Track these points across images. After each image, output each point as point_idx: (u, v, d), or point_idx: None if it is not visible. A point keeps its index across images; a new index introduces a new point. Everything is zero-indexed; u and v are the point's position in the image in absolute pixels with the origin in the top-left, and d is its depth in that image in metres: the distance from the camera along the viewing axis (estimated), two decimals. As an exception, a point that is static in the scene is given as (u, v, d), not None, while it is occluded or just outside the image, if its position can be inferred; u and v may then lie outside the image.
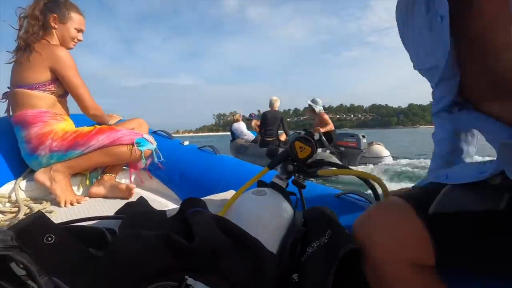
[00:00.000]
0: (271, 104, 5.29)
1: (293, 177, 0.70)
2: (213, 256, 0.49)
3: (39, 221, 0.46)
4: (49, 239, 0.47)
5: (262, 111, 5.43)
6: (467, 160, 0.60)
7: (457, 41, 0.39)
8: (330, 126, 4.73)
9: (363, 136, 4.64)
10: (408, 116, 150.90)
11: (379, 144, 4.85)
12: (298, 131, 0.69)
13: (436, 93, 0.50)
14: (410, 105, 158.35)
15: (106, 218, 0.67)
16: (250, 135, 6.08)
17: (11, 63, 1.23)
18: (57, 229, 0.48)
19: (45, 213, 1.05)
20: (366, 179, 0.60)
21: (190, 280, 0.42)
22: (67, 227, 0.53)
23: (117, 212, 0.74)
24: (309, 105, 4.95)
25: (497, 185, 0.40)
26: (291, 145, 0.63)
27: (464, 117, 0.46)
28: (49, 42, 1.25)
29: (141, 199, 0.74)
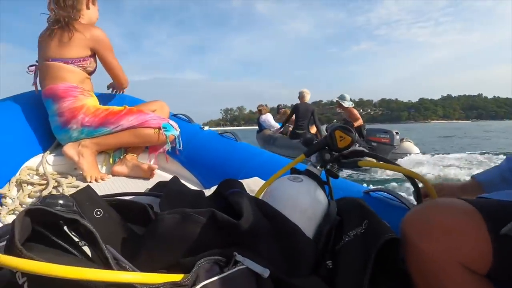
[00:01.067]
0: (301, 97, 5.22)
1: (326, 167, 0.70)
2: (255, 236, 0.50)
3: (89, 195, 0.48)
4: (98, 213, 0.48)
5: (278, 105, 5.62)
6: None
7: None
8: (360, 122, 4.73)
9: (397, 133, 4.53)
10: (420, 110, 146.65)
11: (409, 141, 4.82)
12: (335, 121, 0.69)
13: None
14: (421, 99, 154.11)
15: (144, 194, 0.68)
16: (278, 126, 6.02)
17: (44, 40, 1.25)
18: (105, 204, 0.50)
19: (72, 188, 1.08)
20: (410, 177, 0.60)
21: (238, 257, 0.43)
22: (112, 200, 0.54)
23: (151, 190, 0.76)
24: (337, 101, 4.93)
25: None
26: (331, 134, 0.63)
27: None
28: (80, 22, 1.27)
29: (175, 178, 0.75)
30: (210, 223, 0.47)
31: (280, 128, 5.77)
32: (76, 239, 0.42)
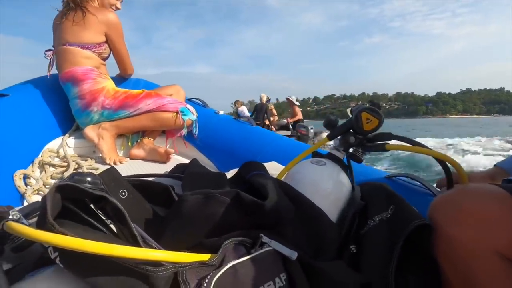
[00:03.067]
0: (260, 98, 7.27)
1: (349, 150, 0.68)
2: (280, 218, 0.49)
3: (114, 176, 0.48)
4: (123, 194, 0.48)
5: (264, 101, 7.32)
6: None
7: None
8: (298, 117, 7.22)
9: (311, 128, 6.54)
10: (438, 105, 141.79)
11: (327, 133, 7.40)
12: (361, 103, 0.66)
13: None
14: (439, 93, 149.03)
15: (165, 176, 0.68)
16: (249, 115, 7.44)
17: (59, 23, 1.25)
18: (129, 185, 0.49)
19: (92, 170, 1.10)
20: (441, 160, 0.57)
21: (265, 238, 0.42)
22: (136, 181, 0.54)
23: (171, 172, 0.76)
24: (288, 98, 7.42)
25: None
26: (356, 116, 0.61)
27: None
28: (92, 5, 1.26)
29: (194, 161, 0.75)
30: (235, 204, 0.47)
31: (251, 116, 7.09)
32: (103, 217, 0.42)
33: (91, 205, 0.42)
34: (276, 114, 7.77)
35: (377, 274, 0.49)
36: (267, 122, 7.06)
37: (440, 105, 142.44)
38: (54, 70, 1.32)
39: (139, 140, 1.38)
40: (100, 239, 0.34)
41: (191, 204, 0.47)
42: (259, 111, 7.08)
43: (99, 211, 0.43)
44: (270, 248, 0.41)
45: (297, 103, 7.48)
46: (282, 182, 0.58)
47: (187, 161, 1.48)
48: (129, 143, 1.37)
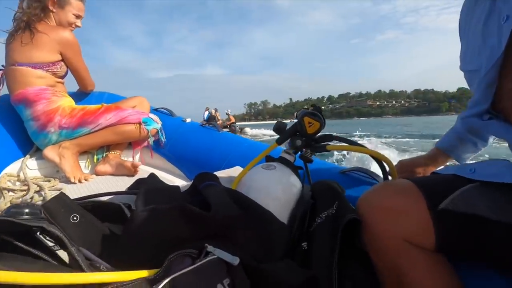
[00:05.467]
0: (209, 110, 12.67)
1: (300, 152, 0.72)
2: (227, 225, 0.52)
3: (64, 202, 0.48)
4: (75, 218, 0.49)
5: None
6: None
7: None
8: (232, 121, 13.30)
9: (238, 127, 10.53)
10: (461, 100, 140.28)
11: (248, 128, 10.52)
12: (305, 107, 0.70)
13: (472, 99, 0.54)
14: (460, 89, 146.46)
15: (121, 193, 0.69)
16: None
17: (9, 43, 1.20)
18: (80, 209, 0.50)
19: (55, 190, 1.08)
20: (376, 158, 0.62)
21: (210, 248, 0.45)
22: (88, 203, 0.55)
23: (130, 188, 0.76)
24: (226, 113, 13.58)
25: None
26: (300, 121, 0.64)
27: (494, 126, 0.50)
28: (47, 23, 1.23)
29: (152, 175, 0.76)
30: (180, 217, 0.49)
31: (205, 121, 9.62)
32: (51, 244, 0.43)
33: (38, 234, 0.42)
34: (220, 119, 12.95)
35: (324, 267, 0.52)
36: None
37: (464, 101, 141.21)
38: (5, 91, 1.27)
39: (104, 155, 1.36)
40: (39, 268, 0.35)
41: (138, 220, 0.48)
42: (211, 118, 11.71)
43: (47, 239, 0.43)
44: (214, 256, 0.44)
45: (231, 114, 14.15)
46: (230, 190, 0.60)
47: (156, 171, 1.48)
48: (94, 159, 1.35)
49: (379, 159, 0.61)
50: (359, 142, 0.72)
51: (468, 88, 0.58)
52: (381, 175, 0.69)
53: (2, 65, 1.25)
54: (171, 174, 1.42)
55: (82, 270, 0.38)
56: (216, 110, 12.69)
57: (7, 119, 1.30)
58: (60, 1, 1.25)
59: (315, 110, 0.65)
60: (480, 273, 0.47)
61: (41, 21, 1.22)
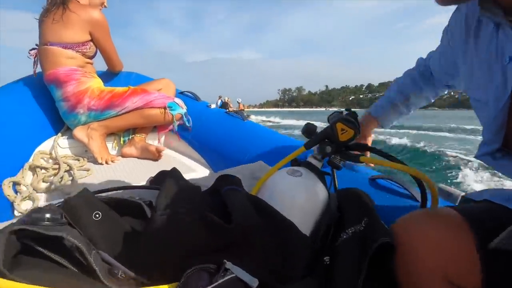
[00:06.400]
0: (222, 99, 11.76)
1: (328, 157, 0.67)
2: (248, 237, 0.50)
3: (86, 198, 0.48)
4: (97, 216, 0.49)
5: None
6: None
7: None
8: (241, 108, 11.79)
9: (246, 114, 10.80)
10: None
11: (253, 116, 13.33)
12: (340, 110, 0.64)
13: (483, 140, 0.53)
14: None
15: (142, 188, 0.68)
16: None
17: (42, 20, 1.22)
18: (103, 205, 0.50)
19: (83, 170, 1.11)
20: (416, 177, 0.55)
21: (228, 264, 0.43)
22: (109, 200, 0.55)
23: (152, 180, 0.76)
24: (238, 102, 12.47)
25: None
26: (332, 127, 0.59)
27: (507, 165, 0.50)
28: (79, 2, 1.22)
29: (174, 170, 0.75)
30: (200, 226, 0.47)
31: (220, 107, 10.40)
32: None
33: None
34: (231, 106, 12.49)
35: None
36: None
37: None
38: (39, 69, 1.30)
39: (130, 138, 1.38)
40: (57, 278, 0.35)
41: (157, 224, 0.47)
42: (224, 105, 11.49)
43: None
44: (233, 275, 0.42)
45: (241, 103, 13.66)
46: (252, 196, 0.57)
47: (179, 156, 1.49)
48: (121, 141, 1.38)
49: (420, 179, 0.55)
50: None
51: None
52: (417, 189, 0.63)
53: (36, 44, 1.27)
54: (194, 160, 1.42)
55: (99, 280, 0.38)
56: (228, 98, 13.67)
57: (41, 97, 1.34)
58: None
59: (350, 116, 0.59)
60: None
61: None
